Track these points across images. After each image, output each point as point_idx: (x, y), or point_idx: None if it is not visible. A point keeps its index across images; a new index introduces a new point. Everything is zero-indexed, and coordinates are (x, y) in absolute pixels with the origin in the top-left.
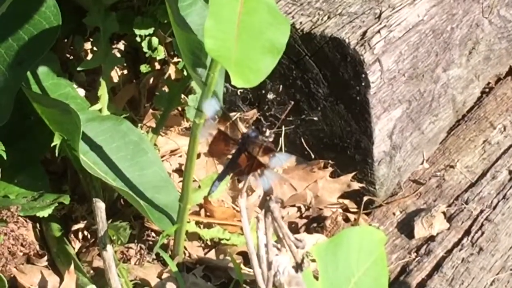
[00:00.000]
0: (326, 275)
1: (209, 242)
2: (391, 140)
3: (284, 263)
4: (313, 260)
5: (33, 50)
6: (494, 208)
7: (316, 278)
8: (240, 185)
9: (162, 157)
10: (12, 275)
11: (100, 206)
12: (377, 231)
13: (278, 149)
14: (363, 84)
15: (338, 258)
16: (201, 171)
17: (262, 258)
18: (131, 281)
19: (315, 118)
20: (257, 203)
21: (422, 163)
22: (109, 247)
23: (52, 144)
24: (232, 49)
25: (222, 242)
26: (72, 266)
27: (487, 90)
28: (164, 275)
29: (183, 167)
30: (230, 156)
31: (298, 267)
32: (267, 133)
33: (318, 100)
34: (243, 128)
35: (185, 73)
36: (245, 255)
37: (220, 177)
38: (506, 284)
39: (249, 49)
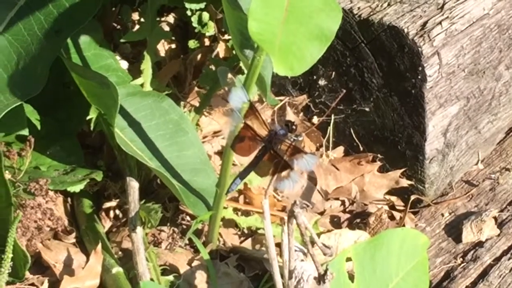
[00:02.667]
0: (362, 277)
1: (246, 231)
2: (445, 138)
3: (310, 270)
4: (350, 259)
5: (73, 19)
6: None
7: (352, 279)
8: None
9: (204, 138)
10: (37, 250)
11: (133, 185)
12: (420, 235)
13: (325, 138)
14: (419, 77)
15: (376, 261)
16: None
17: (285, 264)
18: (160, 266)
19: (367, 109)
20: (299, 193)
21: (476, 164)
22: (139, 229)
23: (88, 118)
24: (277, 34)
25: (260, 231)
26: (99, 246)
27: None
28: (195, 263)
29: None
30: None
31: (320, 278)
32: (297, 132)
33: (371, 90)
34: (270, 124)
35: (234, 52)
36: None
37: (242, 176)
38: None
39: (295, 34)
